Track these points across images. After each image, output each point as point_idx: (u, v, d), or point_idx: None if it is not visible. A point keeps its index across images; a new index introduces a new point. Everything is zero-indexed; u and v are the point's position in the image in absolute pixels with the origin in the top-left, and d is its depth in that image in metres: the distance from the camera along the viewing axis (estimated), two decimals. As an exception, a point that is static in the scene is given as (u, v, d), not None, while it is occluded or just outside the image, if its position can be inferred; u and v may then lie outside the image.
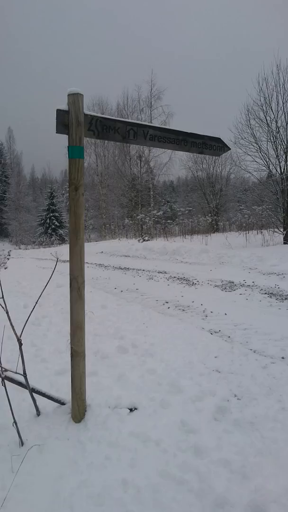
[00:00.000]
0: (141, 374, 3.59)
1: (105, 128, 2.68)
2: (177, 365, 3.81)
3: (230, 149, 3.37)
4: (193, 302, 6.76)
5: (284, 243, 15.43)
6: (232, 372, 3.64)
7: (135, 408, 2.96)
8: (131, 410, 2.94)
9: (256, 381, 3.42)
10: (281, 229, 16.07)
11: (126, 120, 2.80)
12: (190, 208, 33.30)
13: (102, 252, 19.42)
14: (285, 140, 15.51)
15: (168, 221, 28.83)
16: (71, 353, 2.73)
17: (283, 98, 15.38)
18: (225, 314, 5.86)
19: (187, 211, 30.41)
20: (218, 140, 3.23)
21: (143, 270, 11.47)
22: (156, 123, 27.84)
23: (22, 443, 2.50)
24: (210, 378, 3.51)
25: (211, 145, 3.19)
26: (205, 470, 2.23)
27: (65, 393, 2.98)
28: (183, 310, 6.26)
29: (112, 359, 4.01)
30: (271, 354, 4.13)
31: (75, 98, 2.49)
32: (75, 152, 2.53)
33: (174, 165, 31.94)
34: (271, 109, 15.71)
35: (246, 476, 2.18)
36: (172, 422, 2.77)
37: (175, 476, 2.20)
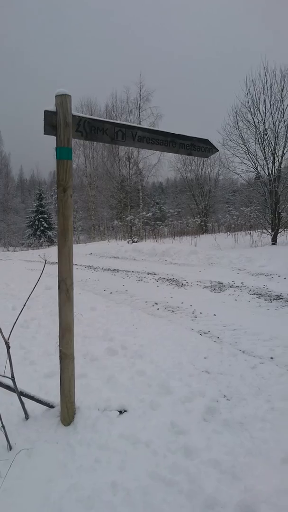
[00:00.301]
0: (130, 376, 3.58)
1: (93, 129, 2.67)
2: (167, 366, 3.81)
3: (218, 150, 3.38)
4: (182, 303, 6.77)
5: (272, 244, 15.56)
6: (221, 373, 3.66)
7: (125, 410, 2.96)
8: (120, 412, 2.93)
9: (245, 381, 3.44)
10: (269, 230, 16.21)
11: (115, 121, 2.80)
12: (179, 210, 33.44)
13: (91, 253, 19.36)
14: (272, 142, 15.65)
15: (157, 222, 28.88)
16: (60, 356, 2.71)
17: (271, 100, 15.52)
18: (214, 315, 5.88)
19: (176, 213, 30.54)
20: (206, 141, 3.24)
21: (133, 271, 11.46)
22: (145, 125, 27.87)
23: (10, 447, 2.47)
24: (199, 379, 3.52)
25: (199, 147, 3.21)
26: (195, 471, 2.23)
27: (54, 396, 2.96)
28: (173, 311, 6.27)
29: (101, 361, 3.99)
30: (260, 355, 4.16)
31: (63, 99, 2.48)
32: (63, 153, 2.52)
33: (163, 166, 32.03)
34: (259, 111, 15.84)
35: (236, 476, 2.19)
36: (162, 424, 2.77)
37: (165, 477, 2.20)
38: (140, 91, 30.16)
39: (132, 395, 3.18)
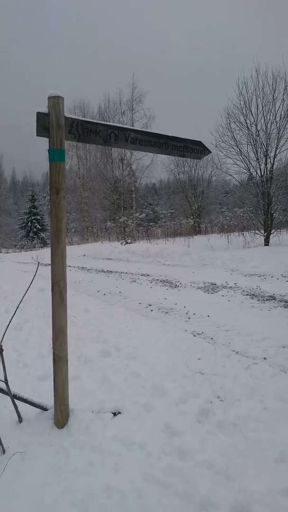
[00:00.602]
0: (124, 378, 3.58)
1: (86, 131, 2.67)
2: (161, 368, 3.81)
3: (211, 152, 3.40)
4: (176, 304, 6.78)
5: (265, 245, 15.64)
6: (215, 374, 3.66)
7: (119, 412, 2.95)
8: (114, 414, 2.92)
9: (239, 382, 3.45)
10: (262, 231, 16.29)
11: (107, 123, 2.80)
12: (172, 211, 33.60)
13: (84, 255, 19.32)
14: (264, 143, 15.74)
15: (151, 223, 28.94)
16: (54, 358, 2.70)
17: (263, 102, 15.61)
18: (208, 316, 5.89)
19: (169, 214, 30.67)
20: (199, 143, 3.26)
21: (126, 273, 11.45)
22: (137, 126, 27.93)
23: (3, 451, 2.45)
24: (193, 380, 3.52)
25: (192, 149, 3.21)
26: (189, 473, 2.23)
27: (48, 399, 2.95)
28: (166, 313, 6.28)
29: (95, 363, 3.98)
30: (253, 355, 4.18)
31: (55, 101, 2.47)
32: (56, 155, 2.51)
33: (156, 167, 32.17)
34: (251, 113, 15.92)
35: (230, 477, 2.19)
36: (156, 425, 2.76)
37: (160, 479, 2.20)
38: (133, 92, 30.22)
39: (126, 397, 3.18)
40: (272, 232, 15.96)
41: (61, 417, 2.74)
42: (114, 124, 2.85)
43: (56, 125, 2.48)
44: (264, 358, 4.08)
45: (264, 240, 15.89)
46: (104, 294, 8.12)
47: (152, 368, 3.80)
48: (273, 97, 15.33)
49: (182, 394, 3.21)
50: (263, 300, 6.81)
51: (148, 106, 31.47)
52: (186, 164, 31.60)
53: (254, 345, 4.49)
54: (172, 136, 3.08)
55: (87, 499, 2.05)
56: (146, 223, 28.33)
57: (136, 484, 2.16)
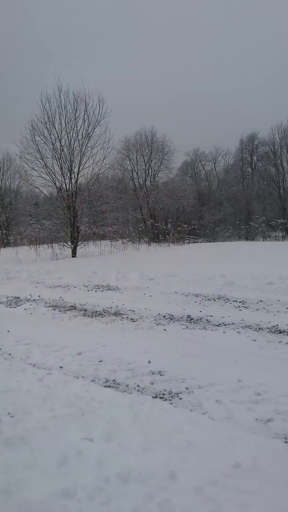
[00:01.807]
0: None
1: None
2: None
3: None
4: (-27, 323, 6.31)
5: (73, 256, 16.16)
6: (7, 391, 3.54)
7: None
8: None
9: (32, 394, 3.43)
10: (69, 243, 16.78)
11: None
12: (-22, 222, 31.25)
13: None
14: (69, 158, 16.34)
15: None
16: None
17: (65, 120, 16.21)
18: (8, 331, 5.69)
19: (-27, 225, 28.41)
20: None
21: None
22: None
23: None
24: (-18, 402, 3.33)
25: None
26: None
27: None
28: None
29: None
30: (50, 365, 4.25)
31: None
32: None
33: None
34: (55, 129, 16.31)
35: (11, 493, 2.16)
36: None
37: None
38: None
39: None
40: (78, 244, 16.61)
41: None
42: None
43: None
44: (61, 367, 4.20)
45: (72, 251, 16.41)
46: None
47: None
48: (75, 116, 16.12)
49: None
50: (65, 310, 6.99)
51: None
52: (-7, 173, 30.03)
53: (52, 355, 4.57)
54: None
55: None
56: None
57: None
